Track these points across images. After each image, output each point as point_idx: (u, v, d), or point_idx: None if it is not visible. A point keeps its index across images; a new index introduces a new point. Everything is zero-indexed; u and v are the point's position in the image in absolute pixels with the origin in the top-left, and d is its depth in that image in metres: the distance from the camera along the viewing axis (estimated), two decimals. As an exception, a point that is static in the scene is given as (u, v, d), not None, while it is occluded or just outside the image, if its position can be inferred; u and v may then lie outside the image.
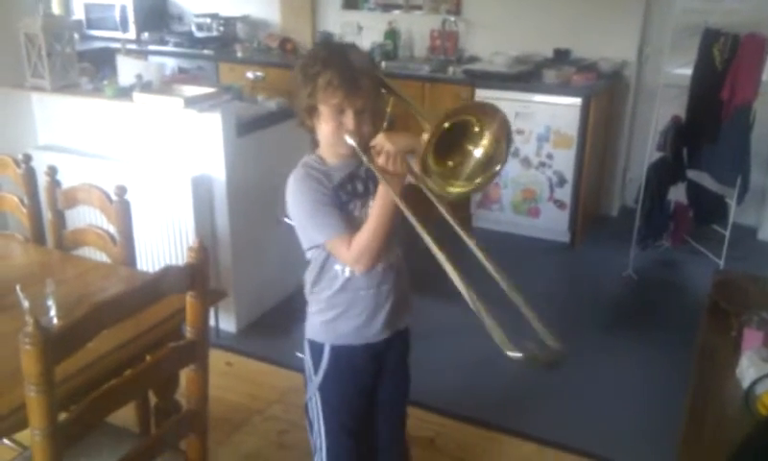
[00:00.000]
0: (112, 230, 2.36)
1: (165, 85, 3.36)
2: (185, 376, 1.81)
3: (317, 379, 1.89)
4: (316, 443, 1.97)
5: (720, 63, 3.89)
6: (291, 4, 5.75)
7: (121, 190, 2.28)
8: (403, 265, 1.86)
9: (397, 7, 5.41)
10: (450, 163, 1.51)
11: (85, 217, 2.83)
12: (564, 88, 4.37)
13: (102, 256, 2.50)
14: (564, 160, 4.41)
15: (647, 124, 4.92)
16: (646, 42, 4.87)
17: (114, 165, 3.27)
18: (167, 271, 1.67)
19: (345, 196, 1.73)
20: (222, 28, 5.81)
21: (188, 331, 1.76)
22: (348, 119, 1.66)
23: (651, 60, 4.91)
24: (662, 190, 4.22)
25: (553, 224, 4.55)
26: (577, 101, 4.29)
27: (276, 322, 3.59)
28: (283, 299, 3.73)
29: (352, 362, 1.86)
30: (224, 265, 3.37)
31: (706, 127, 3.97)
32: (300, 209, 1.74)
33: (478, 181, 1.51)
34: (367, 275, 1.76)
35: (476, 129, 1.48)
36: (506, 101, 4.22)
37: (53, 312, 1.91)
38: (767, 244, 4.69)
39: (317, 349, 1.87)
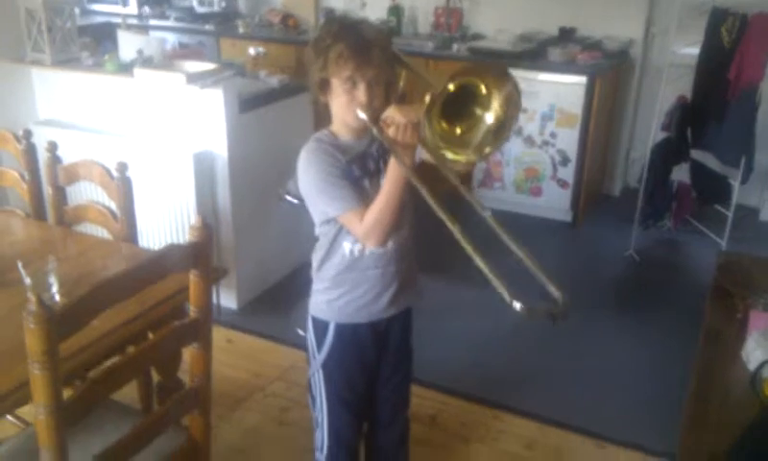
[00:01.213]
0: (113, 206, 2.35)
1: (166, 61, 3.33)
2: (188, 353, 1.80)
3: (320, 357, 1.89)
4: (318, 418, 1.98)
5: (728, 43, 3.84)
6: (294, -21, 5.70)
7: (122, 167, 2.26)
8: (413, 246, 1.85)
9: (402, -18, 5.35)
10: (460, 129, 1.50)
11: (86, 193, 2.82)
12: (568, 67, 4.33)
13: (102, 233, 2.49)
14: (568, 139, 4.38)
15: (651, 104, 4.88)
16: (653, 21, 4.82)
17: (115, 141, 3.25)
18: (170, 249, 1.65)
19: (357, 171, 1.72)
20: (223, 3, 5.75)
21: (191, 310, 1.75)
22: (360, 92, 1.64)
23: (658, 40, 4.86)
24: (666, 170, 4.20)
25: (555, 203, 4.54)
26: (582, 79, 4.26)
27: (277, 299, 3.59)
28: (285, 276, 3.73)
29: (356, 339, 1.86)
30: (225, 242, 3.36)
31: (712, 107, 3.94)
32: (312, 183, 1.72)
33: (488, 149, 1.50)
34: (375, 254, 1.76)
35: (483, 92, 1.46)
36: (510, 79, 4.17)
37: (54, 289, 1.90)
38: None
39: (321, 326, 1.87)
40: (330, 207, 1.70)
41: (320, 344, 1.88)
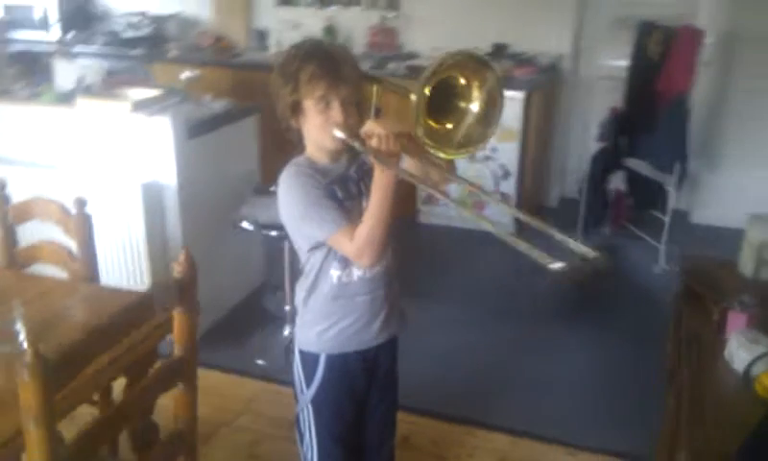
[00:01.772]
0: (71, 244, 2.25)
1: (107, 89, 3.22)
2: (173, 395, 1.74)
3: (309, 392, 1.84)
4: (306, 454, 1.93)
5: (656, 55, 4.03)
6: (224, 1, 5.62)
7: (80, 202, 2.17)
8: (396, 269, 1.84)
9: (335, 3, 5.36)
10: (448, 125, 1.51)
11: (36, 232, 2.67)
12: (506, 82, 4.40)
13: (56, 272, 2.37)
14: (508, 154, 4.48)
15: (584, 115, 5.08)
16: (581, 36, 5.00)
17: (57, 175, 3.10)
18: (156, 287, 1.59)
19: (340, 193, 1.69)
20: (151, 27, 5.62)
21: (176, 348, 1.69)
22: (335, 111, 1.62)
23: (586, 53, 5.05)
24: (603, 179, 4.35)
25: (498, 216, 4.58)
26: (519, 94, 4.36)
27: (231, 329, 3.50)
28: (238, 304, 3.66)
29: (347, 370, 1.82)
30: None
31: (643, 117, 4.11)
32: (296, 208, 1.68)
33: (478, 137, 1.51)
34: (363, 280, 1.73)
35: (463, 83, 1.47)
36: (451, 96, 4.24)
37: (22, 336, 1.80)
38: (699, 226, 4.89)
39: (310, 360, 1.82)
40: (319, 231, 1.66)
41: (309, 378, 1.83)
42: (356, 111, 1.66)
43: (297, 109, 1.65)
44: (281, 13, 5.48)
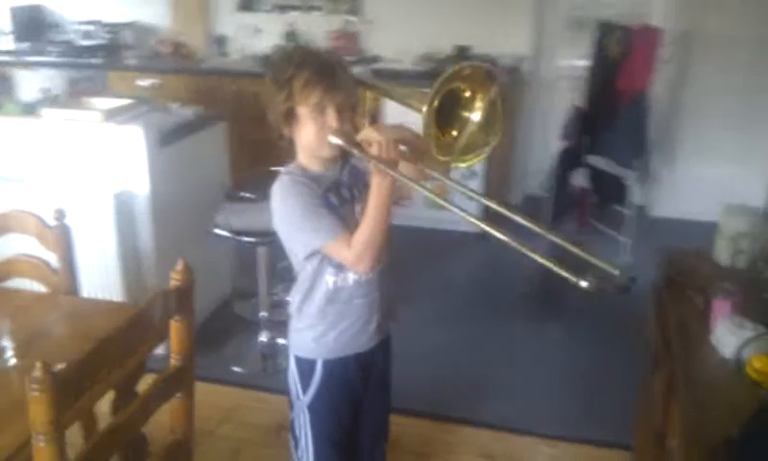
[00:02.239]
0: (48, 257, 2.20)
1: (74, 99, 3.16)
2: (170, 405, 1.72)
3: (306, 398, 1.83)
4: (302, 459, 1.92)
5: (615, 54, 4.12)
6: (182, 7, 5.56)
7: (60, 214, 2.12)
8: (391, 270, 1.85)
9: (295, 8, 5.35)
10: (452, 134, 1.53)
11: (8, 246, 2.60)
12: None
13: (32, 286, 2.32)
14: (474, 154, 4.51)
15: (545, 115, 5.17)
16: (540, 37, 5.09)
17: (27, 188, 3.02)
18: (156, 297, 1.57)
19: (335, 200, 1.70)
20: (108, 35, 5.52)
21: (173, 358, 1.67)
22: (330, 117, 1.62)
23: (545, 54, 5.14)
24: (567, 176, 4.44)
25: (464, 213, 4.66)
26: (484, 95, 4.41)
27: (205, 338, 3.39)
28: (211, 313, 3.63)
29: (344, 374, 1.83)
30: (149, 284, 3.21)
31: (605, 115, 4.21)
32: (292, 217, 1.68)
33: (484, 145, 1.55)
34: (359, 283, 1.74)
35: (467, 94, 1.50)
36: (417, 99, 4.27)
37: (9, 353, 1.76)
38: (657, 220, 5.03)
39: (307, 366, 1.82)
40: (315, 239, 1.66)
41: (306, 384, 1.83)
42: (350, 117, 1.67)
43: (290, 116, 1.65)
44: (241, 19, 5.45)
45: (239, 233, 2.99)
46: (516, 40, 5.01)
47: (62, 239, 2.14)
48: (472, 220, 1.46)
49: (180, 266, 1.59)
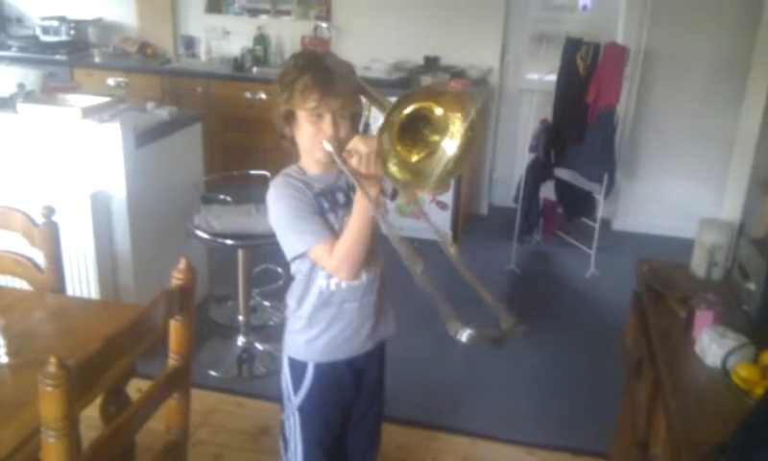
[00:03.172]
0: (35, 254, 2.15)
1: (50, 95, 3.10)
2: (166, 406, 1.71)
3: (297, 399, 1.85)
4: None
5: (583, 70, 4.23)
6: (149, 7, 5.49)
7: (49, 211, 2.09)
8: (385, 275, 1.87)
9: (265, 12, 5.34)
10: (417, 156, 1.50)
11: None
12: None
13: (14, 283, 2.28)
14: (445, 163, 4.57)
15: (511, 126, 5.27)
16: (507, 50, 5.18)
17: (1, 184, 2.96)
18: (161, 295, 1.56)
19: (326, 204, 1.72)
20: (72, 32, 5.41)
21: (172, 357, 1.66)
22: (326, 124, 1.64)
23: (511, 67, 5.24)
24: (535, 188, 4.53)
25: (436, 224, 4.70)
26: (455, 106, 4.47)
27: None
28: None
29: (335, 379, 1.84)
30: (125, 285, 3.16)
31: (572, 129, 4.31)
32: (281, 218, 1.70)
33: (448, 175, 1.50)
34: (351, 287, 1.75)
35: (440, 117, 1.46)
36: (390, 107, 4.30)
37: (1, 350, 1.72)
38: (620, 233, 5.17)
39: (298, 367, 1.83)
40: (299, 243, 1.68)
41: (297, 386, 1.84)
42: (349, 125, 1.69)
43: (290, 118, 1.68)
44: (210, 21, 5.41)
45: (220, 236, 2.97)
46: (484, 52, 5.09)
47: (50, 237, 2.10)
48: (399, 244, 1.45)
49: (182, 265, 1.59)
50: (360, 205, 1.61)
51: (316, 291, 1.76)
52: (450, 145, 1.48)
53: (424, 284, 1.42)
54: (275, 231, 1.75)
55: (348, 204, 1.74)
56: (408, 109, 1.43)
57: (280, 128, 1.72)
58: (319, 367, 1.82)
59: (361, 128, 1.80)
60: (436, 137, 1.49)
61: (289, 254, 1.74)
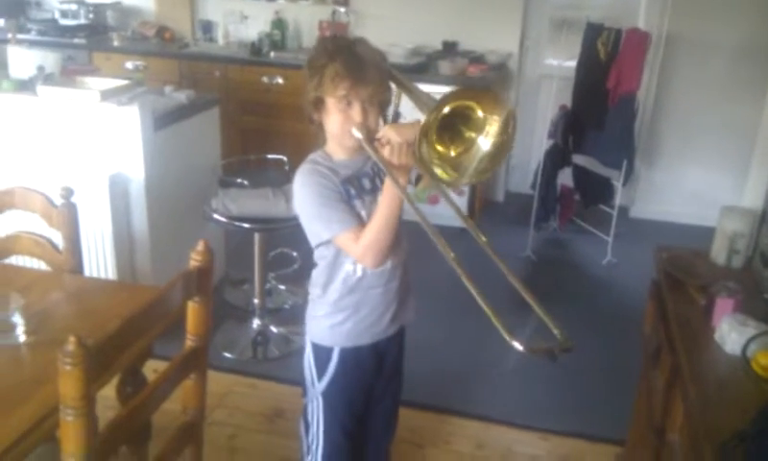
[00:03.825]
0: (53, 235, 2.17)
1: (69, 78, 3.11)
2: (183, 386, 1.72)
3: (321, 384, 1.85)
4: (311, 444, 1.94)
5: (604, 55, 4.18)
6: (167, -9, 5.50)
7: (67, 192, 2.10)
8: (408, 262, 1.86)
9: (282, -4, 5.33)
10: (454, 151, 1.49)
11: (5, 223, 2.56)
12: (460, 79, 4.50)
13: (32, 263, 2.30)
14: (463, 149, 4.55)
15: (529, 112, 5.23)
16: (526, 35, 5.14)
17: (20, 165, 2.98)
18: (180, 277, 1.56)
19: (353, 191, 1.71)
20: (91, 15, 5.43)
21: (190, 339, 1.67)
22: (355, 111, 1.63)
23: (531, 53, 5.20)
24: (553, 175, 4.50)
25: (452, 211, 4.69)
26: (473, 91, 4.44)
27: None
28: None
29: (359, 363, 1.84)
30: (142, 267, 3.18)
31: (592, 115, 4.27)
32: (307, 205, 1.70)
33: (483, 171, 1.50)
34: (377, 273, 1.75)
35: (479, 115, 1.46)
36: (408, 92, 4.29)
37: (20, 329, 1.74)
38: (638, 221, 5.13)
39: (323, 353, 1.83)
40: (325, 230, 1.68)
41: (321, 371, 1.85)
42: (377, 112, 1.68)
43: (319, 104, 1.67)
44: (228, 5, 5.39)
45: (237, 219, 2.98)
46: (503, 38, 5.05)
47: (69, 218, 2.11)
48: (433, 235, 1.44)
49: (200, 246, 1.59)
50: (388, 193, 1.60)
51: (342, 277, 1.76)
52: (485, 143, 1.48)
53: (461, 272, 1.41)
54: (298, 217, 1.75)
55: (374, 189, 1.74)
56: (450, 107, 1.42)
57: (308, 112, 1.71)
58: (344, 352, 1.82)
59: (391, 117, 1.79)
60: (472, 134, 1.48)
61: (314, 241, 1.75)
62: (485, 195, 5.20)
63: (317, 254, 1.78)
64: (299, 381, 2.36)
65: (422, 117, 1.41)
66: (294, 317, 3.48)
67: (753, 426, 1.40)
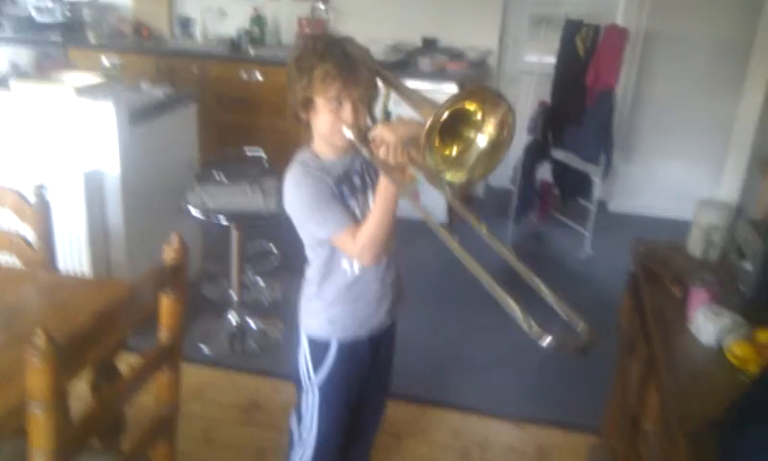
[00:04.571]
0: (28, 233, 2.14)
1: (44, 74, 3.07)
2: (157, 380, 1.70)
3: (318, 378, 1.85)
4: (302, 434, 1.94)
5: (583, 52, 4.20)
6: (145, -13, 5.44)
7: (40, 190, 2.07)
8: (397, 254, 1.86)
9: (261, -7, 5.30)
10: (453, 151, 1.48)
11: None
12: (439, 76, 4.51)
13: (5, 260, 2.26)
14: (442, 145, 4.55)
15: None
16: (506, 32, 5.15)
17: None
18: (152, 271, 1.55)
19: (347, 190, 1.70)
20: (67, 12, 5.36)
21: (163, 332, 1.65)
22: (346, 111, 1.62)
23: (510, 49, 5.21)
24: (532, 170, 4.51)
25: (432, 206, 4.62)
26: (452, 87, 4.45)
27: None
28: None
29: (356, 355, 1.85)
30: (117, 264, 3.15)
31: (571, 110, 4.29)
32: (302, 207, 1.69)
33: (482, 169, 1.49)
34: (373, 268, 1.75)
35: (478, 115, 1.45)
36: (387, 87, 4.29)
37: (-9, 326, 1.72)
38: (616, 214, 5.17)
39: (320, 346, 1.84)
40: (321, 230, 1.68)
41: (317, 364, 1.85)
42: (366, 111, 1.67)
43: (308, 104, 1.65)
44: (206, 1, 5.36)
45: (214, 213, 2.96)
46: (483, 34, 5.06)
47: (42, 215, 2.08)
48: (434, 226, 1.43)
49: (174, 242, 1.57)
50: (384, 192, 1.60)
51: (339, 274, 1.77)
52: (483, 141, 1.47)
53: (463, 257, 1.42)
54: (290, 217, 1.74)
55: (365, 186, 1.74)
56: (453, 109, 1.40)
57: (295, 111, 1.69)
58: (341, 344, 1.83)
59: (381, 115, 1.77)
60: (473, 134, 1.47)
61: (309, 241, 1.75)
62: (466, 190, 5.21)
63: (311, 253, 1.78)
64: (276, 374, 2.34)
65: (414, 114, 1.42)
66: (271, 311, 3.48)
67: (727, 415, 1.41)
